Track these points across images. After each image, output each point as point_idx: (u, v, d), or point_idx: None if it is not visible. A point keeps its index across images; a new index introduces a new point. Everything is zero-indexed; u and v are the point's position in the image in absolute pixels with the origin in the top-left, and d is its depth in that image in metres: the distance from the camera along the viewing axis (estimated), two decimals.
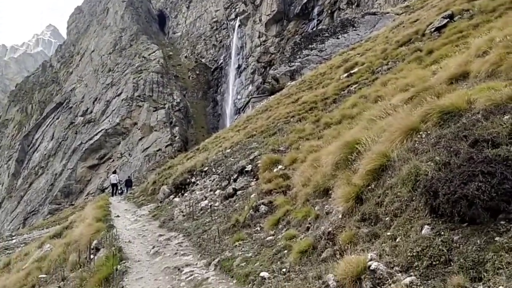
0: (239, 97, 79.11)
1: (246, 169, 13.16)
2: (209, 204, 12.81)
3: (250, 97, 41.17)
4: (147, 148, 73.59)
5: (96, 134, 78.46)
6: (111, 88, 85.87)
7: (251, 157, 13.51)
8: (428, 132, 5.39)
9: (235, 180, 13.38)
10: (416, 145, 5.28)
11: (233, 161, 15.23)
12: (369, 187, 5.47)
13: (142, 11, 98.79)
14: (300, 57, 36.80)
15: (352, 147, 6.92)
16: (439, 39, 15.24)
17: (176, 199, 16.59)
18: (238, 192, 12.43)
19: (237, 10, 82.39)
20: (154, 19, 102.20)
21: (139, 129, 77.48)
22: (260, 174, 11.87)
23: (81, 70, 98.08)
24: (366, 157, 5.77)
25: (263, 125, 17.75)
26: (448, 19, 16.64)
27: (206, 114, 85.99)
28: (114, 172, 38.44)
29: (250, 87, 76.52)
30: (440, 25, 16.84)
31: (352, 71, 18.17)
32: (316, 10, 73.17)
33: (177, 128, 76.63)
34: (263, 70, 76.79)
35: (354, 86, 16.44)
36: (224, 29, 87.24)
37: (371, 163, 5.54)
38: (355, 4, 69.44)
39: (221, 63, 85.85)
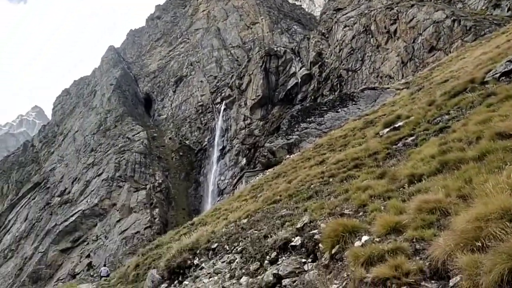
0: (222, 178, 74.35)
1: (293, 244, 8.05)
2: None
3: (244, 171, 36.55)
4: (125, 230, 66.58)
5: (72, 215, 71.05)
6: (92, 168, 79.97)
7: (298, 226, 8.42)
8: None
9: (273, 262, 8.19)
10: None
11: (259, 233, 10.08)
12: None
13: (129, 94, 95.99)
14: (298, 130, 33.07)
15: None
16: None
17: None
18: (285, 281, 7.23)
19: (223, 94, 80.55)
20: (141, 101, 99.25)
21: (117, 210, 70.75)
22: (326, 250, 6.86)
23: (63, 150, 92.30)
24: None
25: (288, 189, 12.91)
26: None
27: (188, 196, 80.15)
28: (105, 265, 35.26)
29: (235, 169, 72.10)
30: (506, 70, 13.16)
31: (396, 125, 13.99)
32: (300, 96, 71.81)
33: (157, 209, 70.45)
34: (247, 151, 73.07)
35: (410, 138, 12.11)
36: (209, 112, 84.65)
37: None
38: (338, 90, 68.48)
39: (205, 145, 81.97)
